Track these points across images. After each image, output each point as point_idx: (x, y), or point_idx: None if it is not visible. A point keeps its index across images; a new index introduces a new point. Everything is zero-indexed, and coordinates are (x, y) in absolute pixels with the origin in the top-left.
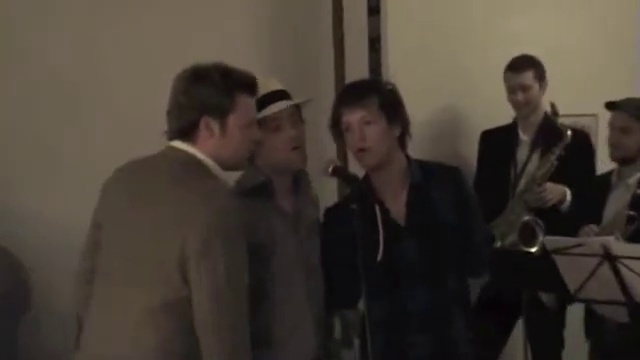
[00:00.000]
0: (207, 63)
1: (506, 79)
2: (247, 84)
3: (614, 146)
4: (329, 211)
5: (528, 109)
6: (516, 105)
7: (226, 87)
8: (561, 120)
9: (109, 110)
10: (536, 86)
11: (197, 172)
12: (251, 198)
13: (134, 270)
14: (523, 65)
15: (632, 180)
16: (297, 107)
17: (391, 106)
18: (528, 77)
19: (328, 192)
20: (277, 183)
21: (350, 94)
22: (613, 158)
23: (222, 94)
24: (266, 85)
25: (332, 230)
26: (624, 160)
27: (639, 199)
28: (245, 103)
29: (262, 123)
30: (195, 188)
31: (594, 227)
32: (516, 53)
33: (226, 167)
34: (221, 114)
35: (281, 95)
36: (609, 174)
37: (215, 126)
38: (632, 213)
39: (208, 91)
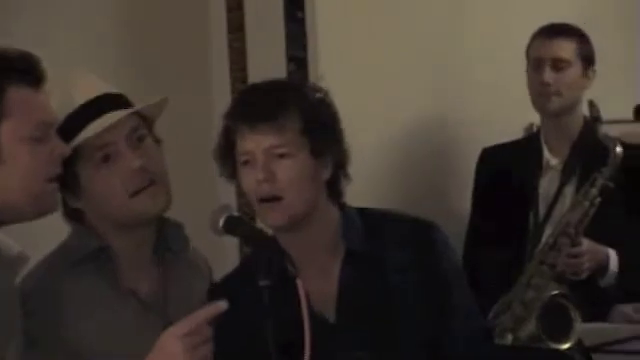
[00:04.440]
0: None
1: (531, 50)
2: (22, 69)
3: None
4: (219, 289)
5: (558, 104)
6: (539, 92)
7: None
8: (605, 129)
9: None
10: (577, 66)
11: None
12: (81, 276)
13: None
14: (562, 31)
15: None
16: (143, 119)
17: (320, 128)
18: (567, 48)
19: (228, 253)
20: (123, 246)
21: (252, 105)
22: None
23: None
24: (79, 89)
25: (226, 321)
26: None
27: None
28: (25, 100)
29: (82, 155)
30: None
31: None
32: (532, 30)
33: (4, 215)
34: None
35: (110, 102)
36: None
37: None
38: None
39: None
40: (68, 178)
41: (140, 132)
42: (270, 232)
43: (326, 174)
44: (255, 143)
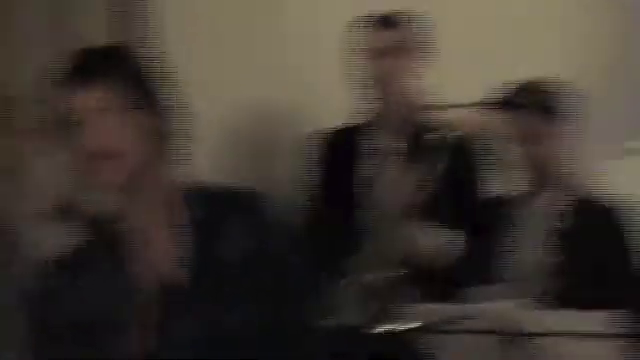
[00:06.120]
0: None
1: (356, 41)
2: None
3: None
4: (59, 262)
5: (382, 94)
6: (363, 83)
7: None
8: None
9: None
10: (405, 55)
11: None
12: None
13: None
14: (386, 19)
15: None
16: None
17: (143, 84)
18: (392, 35)
19: None
20: None
21: (74, 67)
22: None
23: None
24: None
25: (61, 295)
26: (537, 179)
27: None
28: None
29: None
30: None
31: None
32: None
33: None
34: None
35: None
36: (512, 200)
37: None
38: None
39: None
40: None
41: None
42: (112, 198)
43: (157, 131)
44: (79, 103)
